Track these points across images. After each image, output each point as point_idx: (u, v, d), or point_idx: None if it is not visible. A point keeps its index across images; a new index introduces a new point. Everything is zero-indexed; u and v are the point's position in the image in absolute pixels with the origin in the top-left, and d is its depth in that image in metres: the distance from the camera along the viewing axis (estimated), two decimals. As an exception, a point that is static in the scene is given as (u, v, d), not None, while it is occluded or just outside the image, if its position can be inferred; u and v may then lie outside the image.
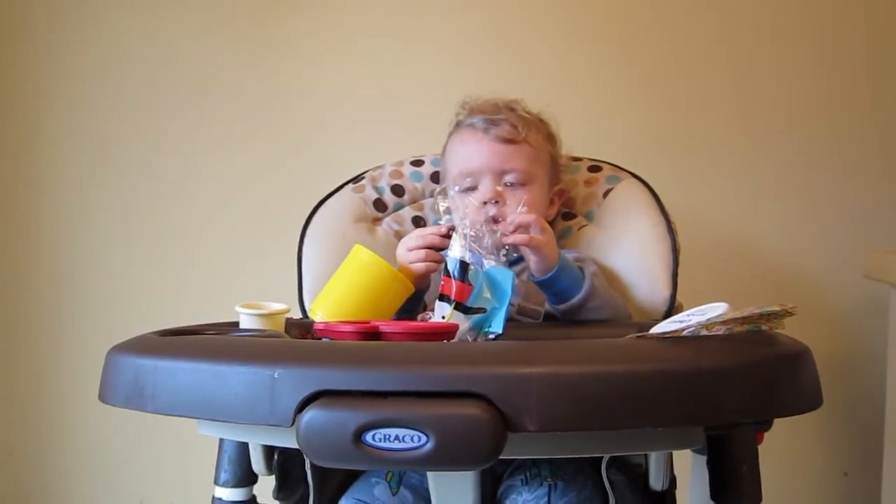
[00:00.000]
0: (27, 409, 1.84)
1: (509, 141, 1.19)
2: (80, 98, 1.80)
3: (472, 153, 1.20)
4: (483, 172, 1.18)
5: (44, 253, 1.82)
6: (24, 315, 1.83)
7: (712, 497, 0.91)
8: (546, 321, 1.14)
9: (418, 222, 1.32)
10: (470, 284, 0.96)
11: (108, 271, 1.81)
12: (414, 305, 1.12)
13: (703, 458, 0.94)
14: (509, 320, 1.09)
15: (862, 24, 1.75)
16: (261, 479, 1.00)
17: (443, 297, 0.96)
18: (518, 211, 1.07)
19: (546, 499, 0.96)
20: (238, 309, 0.97)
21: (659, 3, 1.76)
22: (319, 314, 1.01)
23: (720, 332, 0.75)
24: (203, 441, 0.90)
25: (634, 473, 1.03)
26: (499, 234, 1.04)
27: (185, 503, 1.81)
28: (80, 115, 1.80)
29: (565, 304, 1.09)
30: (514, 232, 1.04)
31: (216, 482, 1.01)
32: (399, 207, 1.33)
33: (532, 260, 1.07)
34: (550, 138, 1.26)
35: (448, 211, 1.12)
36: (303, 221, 1.30)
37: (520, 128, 1.19)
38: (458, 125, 1.26)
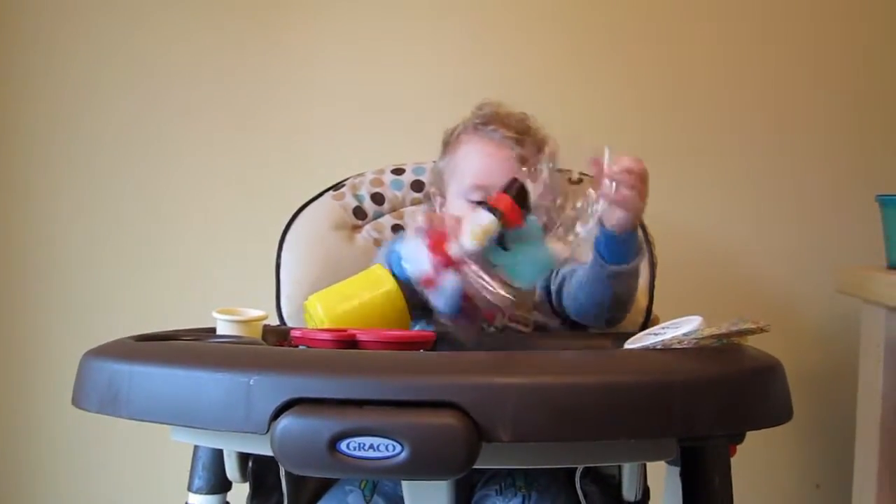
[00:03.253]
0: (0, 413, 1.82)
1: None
2: (61, 99, 1.78)
3: (492, 169, 1.15)
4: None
5: (19, 255, 1.80)
6: (-3, 317, 1.81)
7: (685, 509, 0.92)
8: (534, 331, 1.14)
9: (398, 231, 1.33)
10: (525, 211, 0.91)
11: (84, 275, 1.79)
12: None
13: (677, 470, 0.95)
14: (501, 330, 1.11)
15: (850, 44, 1.77)
16: (235, 486, 1.00)
17: (490, 209, 0.91)
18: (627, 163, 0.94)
19: (520, 509, 0.97)
20: (215, 315, 0.97)
21: (649, 12, 1.78)
22: (319, 307, 1.01)
23: (693, 345, 0.76)
24: (176, 448, 0.90)
25: (608, 484, 1.04)
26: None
27: (158, 510, 1.80)
28: (62, 115, 1.79)
29: (627, 264, 1.01)
30: (620, 182, 0.93)
31: (190, 489, 1.00)
32: (379, 216, 1.33)
33: (619, 216, 0.97)
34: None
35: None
36: (282, 228, 1.30)
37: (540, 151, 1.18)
38: (475, 129, 1.20)
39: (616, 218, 0.96)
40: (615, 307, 1.07)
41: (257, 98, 1.77)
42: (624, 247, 1.00)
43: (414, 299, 0.98)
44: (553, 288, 1.15)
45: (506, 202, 0.92)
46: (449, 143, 1.25)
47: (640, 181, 0.95)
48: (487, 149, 1.18)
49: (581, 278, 1.08)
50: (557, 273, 1.14)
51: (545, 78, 1.76)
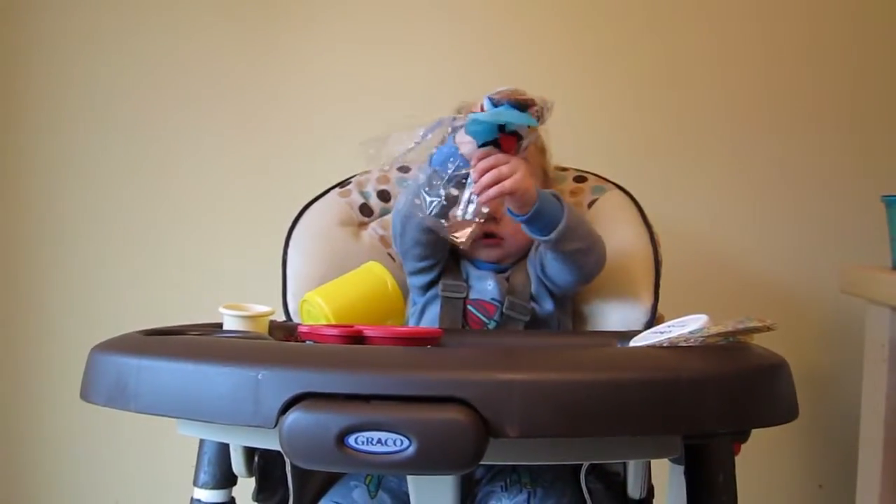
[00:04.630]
0: (5, 407, 1.83)
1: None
2: (65, 96, 1.79)
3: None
4: None
5: (28, 251, 1.81)
6: (5, 313, 1.81)
7: (689, 506, 0.92)
8: (532, 322, 1.15)
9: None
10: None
11: (92, 270, 1.80)
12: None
13: (681, 468, 0.95)
14: (500, 322, 1.12)
15: (848, 44, 1.77)
16: (240, 480, 1.00)
17: None
18: (476, 167, 0.99)
19: (525, 505, 0.97)
20: (222, 310, 0.97)
21: (646, 15, 1.78)
22: (320, 301, 1.01)
23: (699, 344, 0.76)
24: (182, 443, 0.90)
25: (613, 481, 1.04)
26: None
27: (162, 504, 1.81)
28: (67, 111, 1.79)
29: (553, 233, 1.03)
30: (483, 193, 0.99)
31: (195, 483, 1.01)
32: (385, 213, 1.34)
33: (512, 204, 1.02)
34: (542, 151, 1.26)
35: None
36: (289, 224, 1.30)
37: None
38: (454, 130, 1.23)
39: (513, 205, 1.01)
40: (581, 264, 1.09)
41: (264, 96, 1.78)
42: (540, 221, 1.02)
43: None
44: (537, 266, 1.16)
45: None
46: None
47: (493, 178, 0.97)
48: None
49: (542, 257, 1.13)
50: (537, 250, 1.17)
51: (546, 78, 1.75)
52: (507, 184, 0.97)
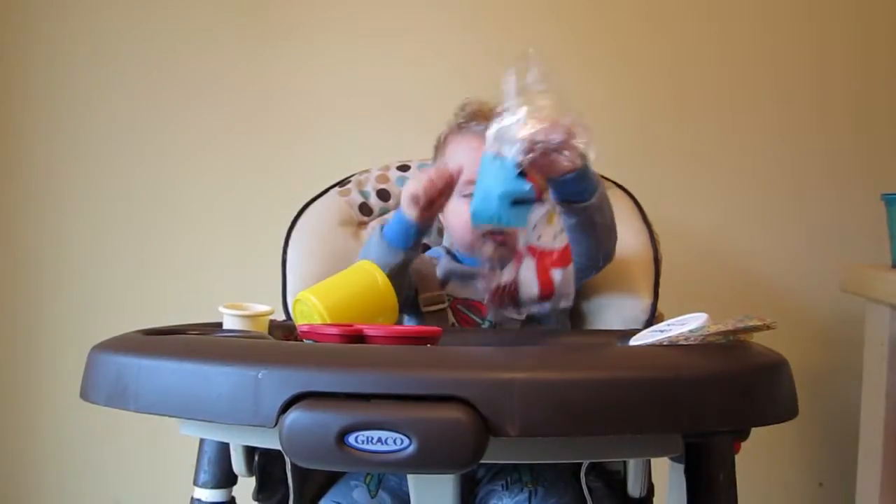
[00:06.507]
0: (5, 407, 1.83)
1: None
2: (65, 94, 1.79)
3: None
4: None
5: (27, 250, 1.81)
6: (5, 312, 1.81)
7: (689, 505, 0.92)
8: (529, 321, 1.15)
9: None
10: None
11: (91, 269, 1.80)
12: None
13: (681, 466, 0.95)
14: (495, 325, 1.12)
15: (851, 41, 1.78)
16: (240, 480, 1.00)
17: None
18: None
19: (526, 504, 0.97)
20: (222, 310, 0.97)
21: (648, 12, 1.78)
22: (314, 299, 1.01)
23: (699, 342, 0.76)
24: (181, 441, 0.90)
25: (613, 480, 1.04)
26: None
27: (162, 504, 1.81)
28: (66, 111, 1.79)
29: (594, 196, 1.03)
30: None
31: (196, 483, 1.01)
32: (385, 212, 1.34)
33: (564, 160, 1.01)
34: None
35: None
36: (288, 223, 1.30)
37: None
38: (459, 128, 1.22)
39: (553, 168, 0.99)
40: (603, 240, 1.07)
41: (263, 94, 1.78)
42: (585, 182, 1.01)
43: None
44: None
45: None
46: (438, 147, 1.27)
47: (544, 151, 0.97)
48: (473, 143, 1.18)
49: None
50: None
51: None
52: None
